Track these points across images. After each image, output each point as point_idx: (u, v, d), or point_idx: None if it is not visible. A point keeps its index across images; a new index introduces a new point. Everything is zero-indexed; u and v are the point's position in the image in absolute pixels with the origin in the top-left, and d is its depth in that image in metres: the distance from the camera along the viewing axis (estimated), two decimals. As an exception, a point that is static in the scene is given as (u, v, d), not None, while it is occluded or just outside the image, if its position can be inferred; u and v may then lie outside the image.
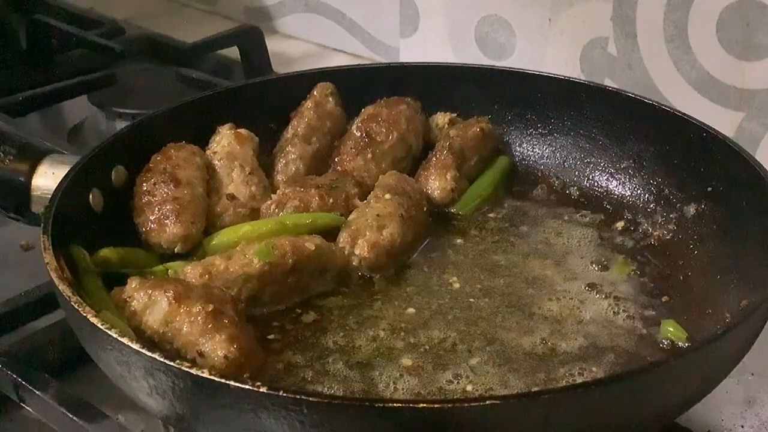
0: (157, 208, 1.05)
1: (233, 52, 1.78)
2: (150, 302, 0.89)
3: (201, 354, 0.85)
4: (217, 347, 0.85)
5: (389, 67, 1.46)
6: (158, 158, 1.11)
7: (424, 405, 0.70)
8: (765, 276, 0.89)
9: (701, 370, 0.79)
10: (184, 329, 0.86)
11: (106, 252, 0.99)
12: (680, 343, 0.95)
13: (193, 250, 1.05)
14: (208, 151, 1.16)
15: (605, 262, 1.08)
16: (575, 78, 1.30)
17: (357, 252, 1.04)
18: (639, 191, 1.18)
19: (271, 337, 0.96)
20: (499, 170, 1.26)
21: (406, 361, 0.92)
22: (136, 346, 0.75)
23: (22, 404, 0.99)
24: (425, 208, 1.14)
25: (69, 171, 1.02)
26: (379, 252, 1.04)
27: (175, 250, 1.04)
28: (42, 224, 0.93)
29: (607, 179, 1.22)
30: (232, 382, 0.71)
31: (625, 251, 1.11)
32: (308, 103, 1.24)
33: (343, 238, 1.05)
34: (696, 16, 1.35)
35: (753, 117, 1.34)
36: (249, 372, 0.86)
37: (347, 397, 0.83)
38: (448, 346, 0.95)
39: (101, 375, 0.84)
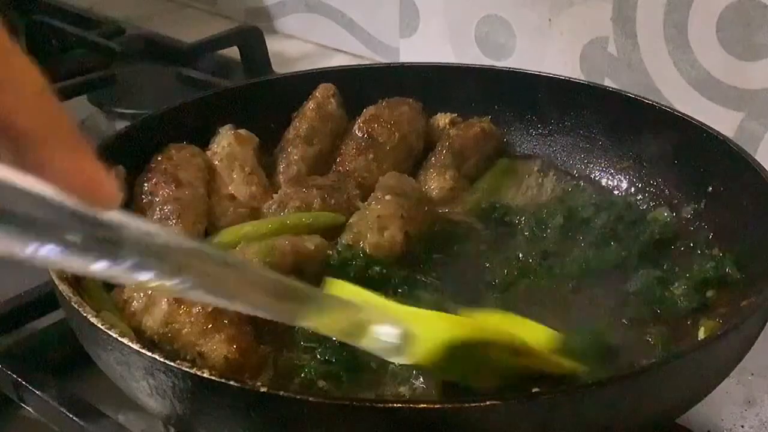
0: (158, 209, 1.05)
1: (233, 52, 1.78)
2: (150, 303, 0.89)
3: (201, 354, 0.85)
4: (217, 347, 0.85)
5: (389, 67, 1.46)
6: (159, 158, 1.11)
7: (424, 405, 0.70)
8: (765, 276, 0.90)
9: (701, 370, 0.79)
10: (184, 330, 0.86)
11: (106, 252, 0.99)
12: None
13: (193, 251, 1.05)
14: (208, 152, 1.16)
15: (605, 262, 1.08)
16: (575, 78, 1.30)
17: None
18: (639, 191, 1.18)
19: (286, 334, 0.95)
20: (499, 170, 1.26)
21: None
22: (136, 347, 0.75)
23: (22, 404, 0.99)
24: (426, 208, 1.14)
25: (69, 171, 1.02)
26: (382, 253, 1.04)
27: (176, 250, 1.04)
28: (42, 224, 0.92)
29: (608, 179, 1.22)
30: (232, 382, 0.71)
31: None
32: (310, 105, 1.24)
33: (345, 241, 1.05)
34: (696, 16, 1.35)
35: (753, 117, 1.34)
36: (249, 372, 0.86)
37: (347, 397, 0.83)
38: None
39: (101, 375, 0.84)
